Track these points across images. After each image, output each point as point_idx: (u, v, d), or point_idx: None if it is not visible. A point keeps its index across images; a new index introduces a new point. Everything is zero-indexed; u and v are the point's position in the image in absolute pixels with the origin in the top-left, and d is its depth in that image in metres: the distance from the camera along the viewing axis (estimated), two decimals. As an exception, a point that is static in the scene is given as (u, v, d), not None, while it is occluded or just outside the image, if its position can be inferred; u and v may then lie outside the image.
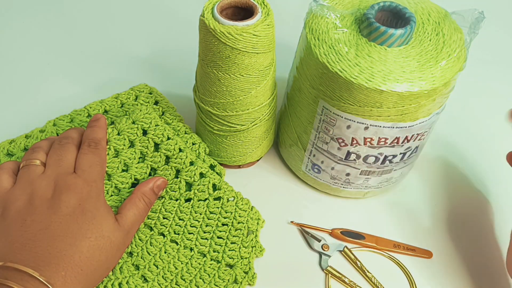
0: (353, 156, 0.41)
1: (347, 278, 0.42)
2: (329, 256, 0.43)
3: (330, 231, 0.44)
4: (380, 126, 0.38)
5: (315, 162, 0.44)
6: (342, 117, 0.39)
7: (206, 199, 0.43)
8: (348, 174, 0.44)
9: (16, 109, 0.52)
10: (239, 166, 0.48)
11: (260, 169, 0.49)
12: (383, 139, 0.39)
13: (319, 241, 0.43)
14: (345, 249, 0.43)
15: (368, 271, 0.42)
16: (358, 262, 0.43)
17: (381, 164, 0.42)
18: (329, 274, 0.42)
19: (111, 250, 0.36)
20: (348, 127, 0.39)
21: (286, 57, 0.50)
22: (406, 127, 0.38)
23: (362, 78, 0.36)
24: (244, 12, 0.39)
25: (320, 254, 0.43)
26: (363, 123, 0.38)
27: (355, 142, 0.40)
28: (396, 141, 0.40)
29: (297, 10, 0.52)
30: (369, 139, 0.39)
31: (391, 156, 0.41)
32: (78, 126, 0.47)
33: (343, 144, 0.41)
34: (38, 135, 0.47)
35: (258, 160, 0.49)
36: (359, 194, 0.47)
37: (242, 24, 0.37)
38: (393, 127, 0.38)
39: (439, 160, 0.52)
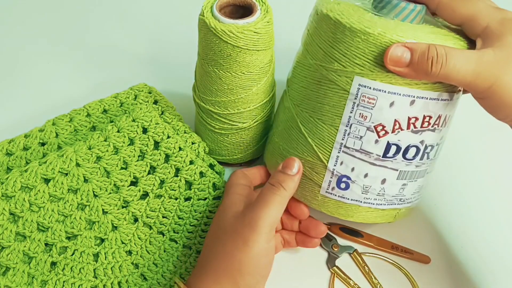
0: (392, 150, 0.37)
1: (352, 280, 0.41)
2: (338, 256, 0.42)
3: (329, 226, 0.44)
4: (427, 98, 0.35)
5: (342, 174, 0.39)
6: (385, 91, 0.35)
7: (206, 198, 0.42)
8: (383, 181, 0.39)
9: (15, 108, 0.52)
10: (240, 165, 0.48)
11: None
12: (427, 118, 0.36)
13: (330, 240, 0.43)
14: (355, 252, 0.43)
15: (375, 277, 0.42)
16: (366, 267, 0.42)
17: (420, 160, 0.39)
18: (335, 274, 0.41)
19: None
20: (392, 104, 0.35)
21: (287, 57, 0.50)
22: (448, 99, 0.37)
23: (391, 34, 0.33)
24: (243, 10, 0.39)
25: (329, 253, 0.43)
26: (409, 95, 0.35)
27: (397, 126, 0.36)
28: (437, 121, 0.37)
29: (297, 10, 0.52)
30: (413, 119, 0.36)
31: (430, 147, 0.38)
32: (77, 126, 0.47)
33: (383, 132, 0.36)
34: (37, 135, 0.46)
35: (258, 158, 0.49)
36: (391, 214, 0.41)
37: (242, 22, 0.37)
38: (439, 99, 0.36)
39: (440, 164, 0.52)
